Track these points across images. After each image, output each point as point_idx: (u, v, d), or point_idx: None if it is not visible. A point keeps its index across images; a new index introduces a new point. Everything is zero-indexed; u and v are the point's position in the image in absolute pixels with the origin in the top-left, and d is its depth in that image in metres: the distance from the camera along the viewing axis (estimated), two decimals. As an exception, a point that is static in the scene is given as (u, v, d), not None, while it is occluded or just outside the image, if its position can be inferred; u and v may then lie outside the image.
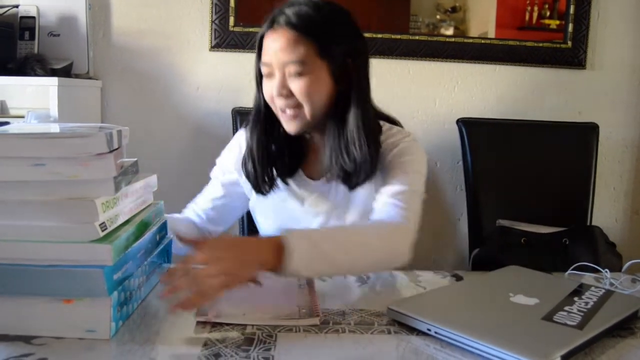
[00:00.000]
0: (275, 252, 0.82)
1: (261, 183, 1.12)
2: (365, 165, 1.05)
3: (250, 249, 0.83)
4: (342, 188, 1.12)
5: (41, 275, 0.71)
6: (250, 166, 1.12)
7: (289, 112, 1.06)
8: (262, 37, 1.07)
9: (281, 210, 1.17)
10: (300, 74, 1.03)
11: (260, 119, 1.12)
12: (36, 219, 0.72)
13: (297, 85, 1.03)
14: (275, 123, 1.11)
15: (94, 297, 0.71)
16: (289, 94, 1.04)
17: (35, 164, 0.71)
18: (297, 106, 1.05)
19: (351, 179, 1.08)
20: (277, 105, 1.07)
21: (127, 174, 0.82)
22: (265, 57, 1.05)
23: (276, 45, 1.03)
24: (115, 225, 0.77)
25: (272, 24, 1.05)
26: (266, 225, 1.23)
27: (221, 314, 0.79)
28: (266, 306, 0.83)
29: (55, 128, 0.88)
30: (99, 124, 0.93)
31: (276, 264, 0.82)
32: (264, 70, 1.06)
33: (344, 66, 1.06)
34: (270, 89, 1.06)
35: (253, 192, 1.17)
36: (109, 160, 0.73)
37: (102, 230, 0.72)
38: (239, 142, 1.20)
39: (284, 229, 0.86)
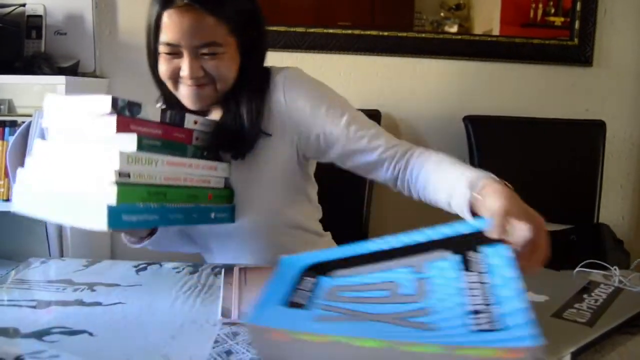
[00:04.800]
0: None
1: None
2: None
3: None
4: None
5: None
6: None
7: (195, 87, 1.00)
8: (159, 15, 0.97)
9: None
10: (214, 55, 0.98)
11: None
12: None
13: (211, 66, 0.98)
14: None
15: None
16: (204, 74, 0.99)
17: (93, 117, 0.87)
18: (206, 83, 1.01)
19: (243, 146, 1.04)
20: (183, 82, 1.01)
21: (176, 148, 0.94)
22: (169, 37, 0.97)
23: (184, 25, 0.95)
24: (143, 181, 0.85)
25: (170, 1, 0.95)
26: None
27: (244, 315, 0.77)
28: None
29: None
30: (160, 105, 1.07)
31: None
32: (165, 49, 0.98)
33: (249, 39, 1.03)
34: (172, 68, 1.00)
35: None
36: (111, 120, 0.84)
37: (120, 176, 0.81)
38: None
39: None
